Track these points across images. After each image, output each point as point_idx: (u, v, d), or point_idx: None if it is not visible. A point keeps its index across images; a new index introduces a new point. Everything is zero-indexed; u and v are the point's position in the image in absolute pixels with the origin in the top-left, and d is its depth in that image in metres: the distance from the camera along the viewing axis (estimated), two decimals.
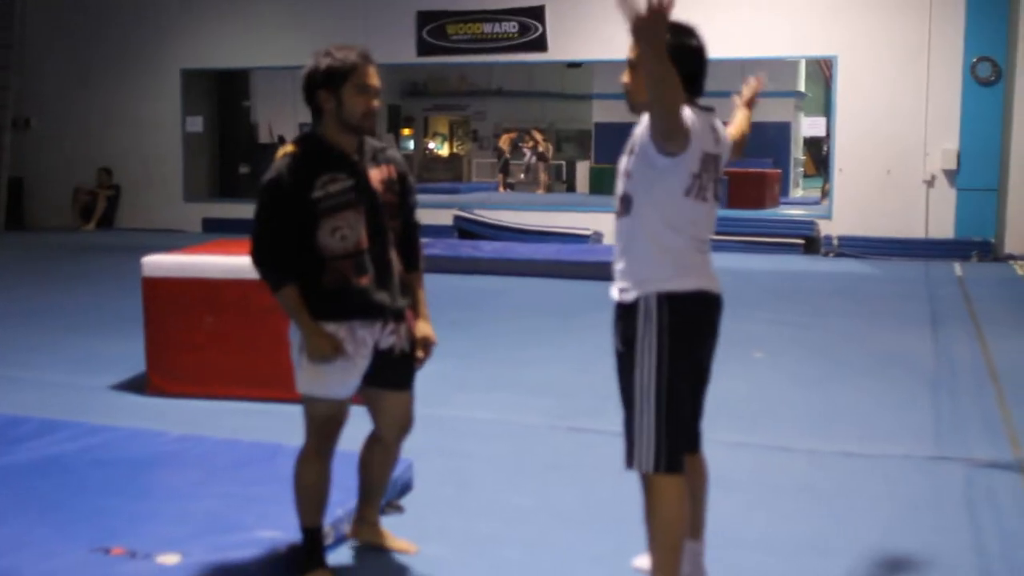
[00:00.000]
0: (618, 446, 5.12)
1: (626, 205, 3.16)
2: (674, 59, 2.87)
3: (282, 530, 3.63)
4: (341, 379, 3.43)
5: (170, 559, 3.38)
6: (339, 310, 3.38)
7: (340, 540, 3.82)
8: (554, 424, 5.51)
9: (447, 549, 3.81)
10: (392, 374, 3.54)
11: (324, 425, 3.49)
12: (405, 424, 3.67)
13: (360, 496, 3.82)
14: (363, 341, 3.43)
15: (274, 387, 5.89)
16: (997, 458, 5.00)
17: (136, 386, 6.30)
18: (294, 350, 3.49)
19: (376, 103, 3.44)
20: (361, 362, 3.44)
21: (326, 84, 3.37)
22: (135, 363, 6.43)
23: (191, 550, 3.45)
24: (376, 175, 3.46)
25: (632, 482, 4.59)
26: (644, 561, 3.38)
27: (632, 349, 3.11)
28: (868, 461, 4.98)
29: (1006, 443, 5.27)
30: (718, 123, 3.26)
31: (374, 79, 3.44)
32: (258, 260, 3.42)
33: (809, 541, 3.96)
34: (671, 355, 3.07)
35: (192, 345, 6.05)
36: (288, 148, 3.46)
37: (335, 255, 3.35)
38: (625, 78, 3.24)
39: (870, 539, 3.99)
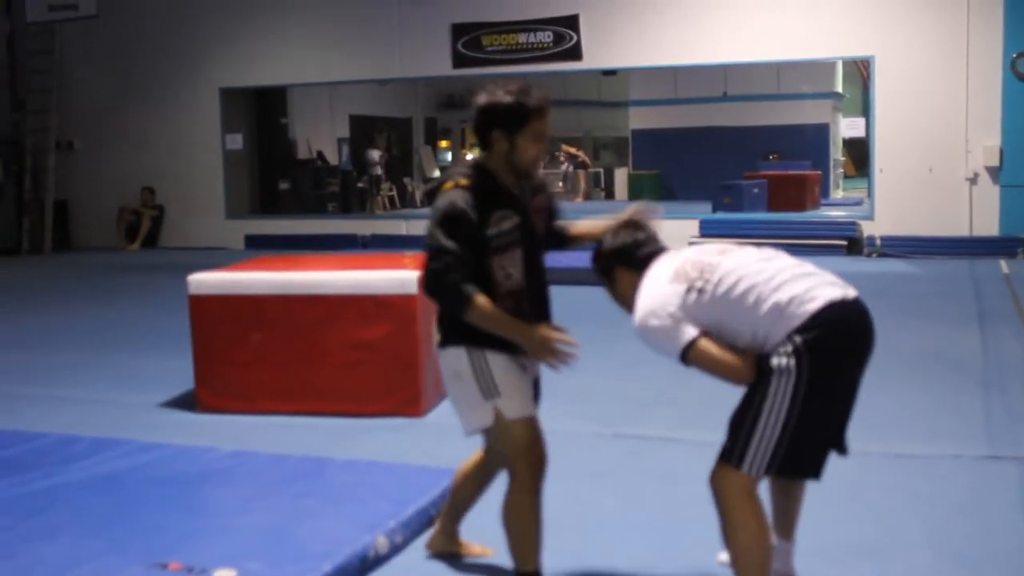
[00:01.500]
0: (662, 452, 5.12)
1: None
2: None
3: (333, 543, 3.66)
4: (527, 394, 3.36)
5: (226, 574, 3.41)
6: (507, 343, 3.30)
7: (395, 551, 3.84)
8: (598, 431, 5.52)
9: (496, 558, 3.81)
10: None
11: (531, 449, 3.31)
12: None
13: (448, 511, 3.82)
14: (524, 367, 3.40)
15: (320, 400, 5.95)
16: None
17: (185, 403, 6.36)
18: (460, 387, 3.35)
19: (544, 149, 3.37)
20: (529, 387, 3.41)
21: (503, 124, 3.28)
22: (183, 380, 6.50)
23: (246, 565, 3.48)
24: (534, 209, 3.42)
25: (677, 488, 4.59)
26: (726, 556, 3.39)
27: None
28: (918, 462, 4.94)
29: None
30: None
31: (550, 127, 3.37)
32: (436, 287, 3.24)
33: (859, 544, 3.93)
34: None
35: (239, 362, 6.10)
36: (460, 181, 3.30)
37: (503, 292, 3.29)
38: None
39: (921, 541, 3.96)
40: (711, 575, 3.63)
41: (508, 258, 3.28)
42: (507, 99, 3.28)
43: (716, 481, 3.14)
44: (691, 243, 14.60)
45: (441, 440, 4.40)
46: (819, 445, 3.16)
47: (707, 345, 3.09)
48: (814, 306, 3.02)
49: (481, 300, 3.20)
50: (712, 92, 23.65)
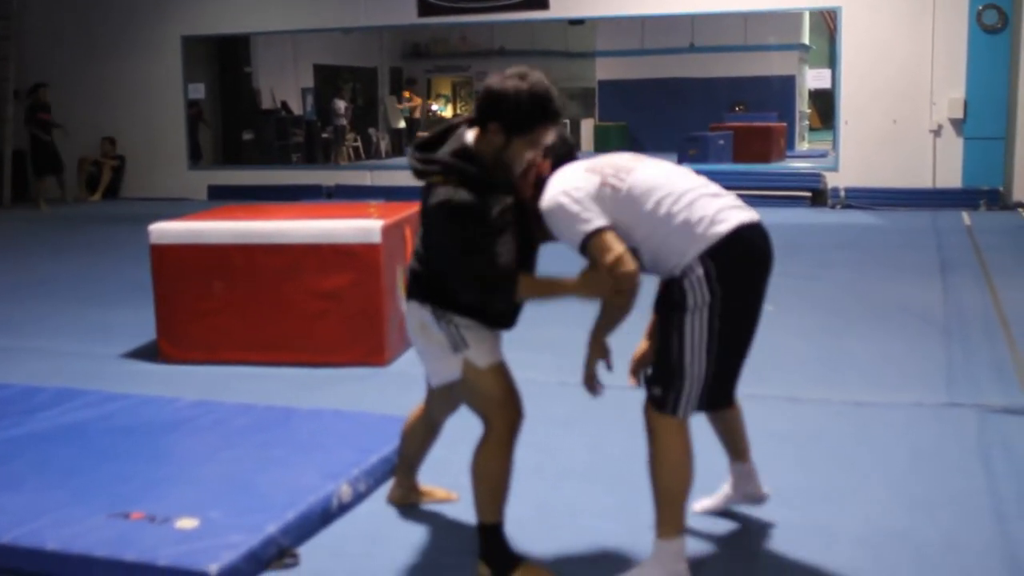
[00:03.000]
0: (626, 401, 5.15)
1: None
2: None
3: (297, 492, 3.66)
4: (495, 344, 3.32)
5: (188, 523, 3.41)
6: (496, 321, 3.31)
7: (359, 499, 3.85)
8: (563, 380, 5.52)
9: (458, 506, 3.83)
10: None
11: (507, 403, 3.27)
12: (456, 407, 3.66)
13: (400, 465, 3.85)
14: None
15: (284, 351, 5.94)
16: (1009, 404, 5.01)
17: (148, 354, 6.32)
18: (426, 339, 3.31)
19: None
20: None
21: (505, 120, 3.10)
22: (146, 331, 6.46)
23: (209, 514, 3.48)
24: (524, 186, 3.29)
25: (643, 437, 4.61)
26: (700, 504, 3.54)
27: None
28: (879, 410, 5.00)
29: (1018, 389, 5.28)
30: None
31: (549, 137, 3.26)
32: (482, 290, 3.17)
33: (821, 491, 3.98)
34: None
35: (202, 311, 6.07)
36: (450, 180, 3.14)
37: None
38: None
39: (881, 487, 4.01)
40: None
41: (503, 240, 3.17)
42: (522, 98, 3.10)
43: (651, 423, 3.19)
44: None
45: (405, 389, 4.40)
46: (736, 372, 3.29)
47: (612, 239, 3.06)
48: (724, 228, 3.05)
49: (522, 279, 3.17)
50: (679, 43, 23.55)
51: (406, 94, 24.61)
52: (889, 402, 5.10)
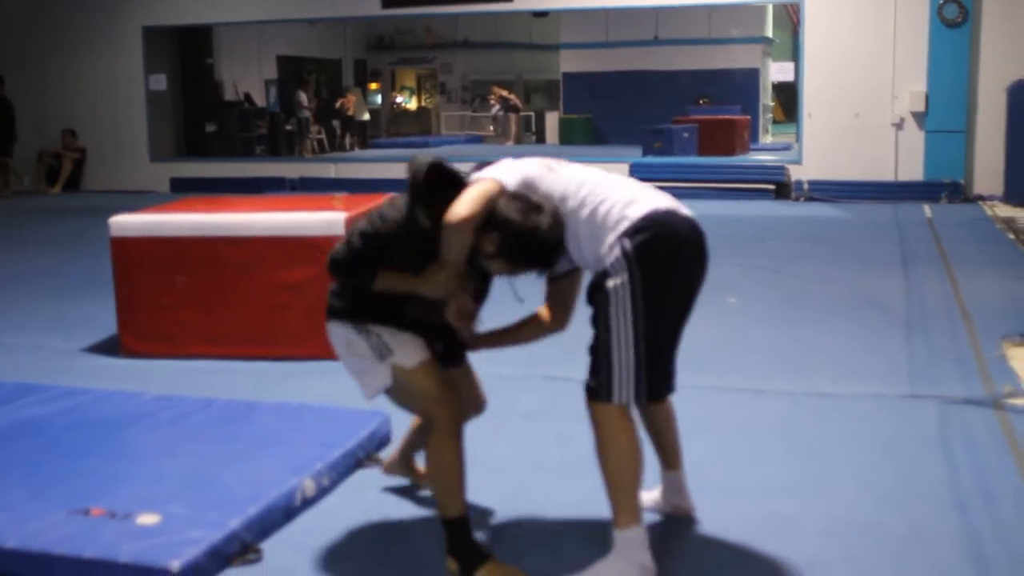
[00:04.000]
0: (581, 393, 5.14)
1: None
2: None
3: (260, 486, 3.62)
4: (420, 343, 3.31)
5: (150, 519, 3.36)
6: (393, 319, 3.34)
7: (322, 493, 3.82)
8: (528, 374, 5.51)
9: (426, 502, 3.81)
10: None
11: (444, 396, 3.24)
12: (479, 404, 3.66)
13: (406, 440, 3.85)
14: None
15: (247, 344, 5.89)
16: (970, 395, 5.05)
17: (109, 348, 6.25)
18: (353, 354, 3.34)
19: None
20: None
21: (507, 246, 3.12)
22: (107, 325, 6.39)
23: (171, 509, 3.43)
24: None
25: None
26: (647, 496, 3.47)
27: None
28: (842, 401, 5.02)
29: (979, 380, 5.32)
30: None
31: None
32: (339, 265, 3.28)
33: (784, 483, 3.98)
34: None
35: (163, 305, 6.00)
36: None
37: None
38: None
39: (845, 479, 4.03)
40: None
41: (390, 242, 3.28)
42: (536, 243, 3.12)
43: (592, 413, 3.20)
44: None
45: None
46: (669, 358, 3.25)
47: (483, 194, 3.09)
48: (639, 211, 3.10)
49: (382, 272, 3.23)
50: (643, 35, 23.59)
51: (345, 98, 24.42)
52: (853, 393, 5.13)
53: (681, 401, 5.00)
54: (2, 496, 3.62)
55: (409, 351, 3.26)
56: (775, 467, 4.16)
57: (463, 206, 3.05)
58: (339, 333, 3.36)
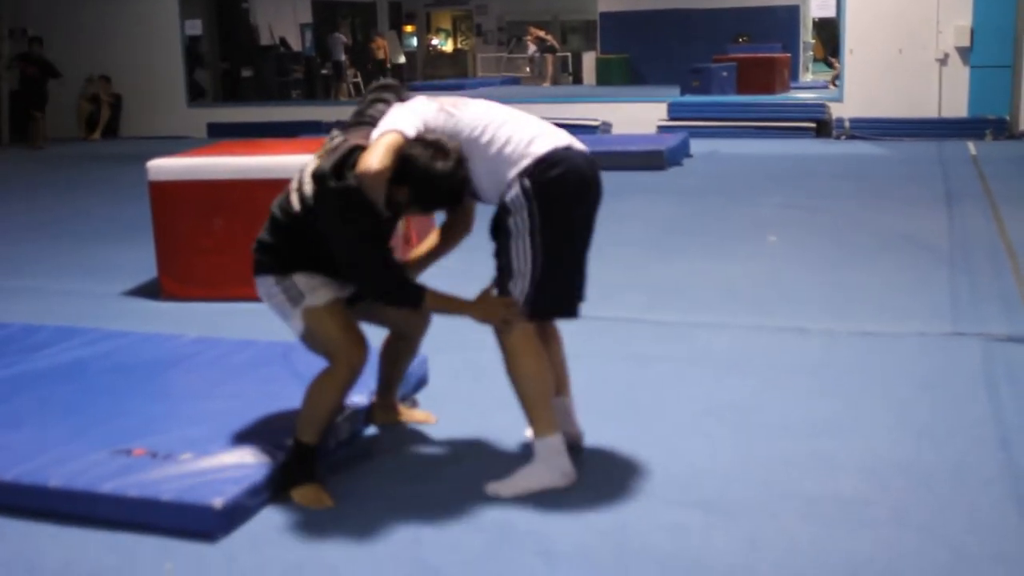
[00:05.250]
0: (624, 332, 5.13)
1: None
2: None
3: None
4: (333, 287, 3.42)
5: (190, 458, 3.39)
6: (316, 267, 3.44)
7: (355, 435, 3.84)
8: None
9: (464, 442, 3.82)
10: None
11: (351, 351, 3.34)
12: (425, 320, 3.75)
13: (380, 385, 3.92)
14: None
15: None
16: (1014, 332, 4.98)
17: (149, 292, 6.29)
18: (274, 304, 3.48)
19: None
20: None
21: (417, 192, 3.27)
22: (147, 269, 6.42)
23: (211, 449, 3.46)
24: None
25: (644, 369, 4.61)
26: (530, 434, 3.54)
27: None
28: (884, 340, 4.97)
29: (1022, 317, 5.24)
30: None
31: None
32: (386, 289, 3.36)
33: (826, 421, 3.95)
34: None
35: (202, 248, 6.03)
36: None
37: None
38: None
39: (886, 417, 3.99)
40: (678, 453, 3.65)
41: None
42: (443, 184, 3.25)
43: (499, 337, 3.37)
44: (658, 127, 14.37)
45: None
46: (567, 283, 3.40)
47: (390, 145, 3.18)
48: (539, 148, 3.24)
49: (428, 294, 3.33)
50: None
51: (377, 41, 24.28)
52: (894, 332, 5.07)
53: (721, 339, 5.02)
54: (44, 437, 3.66)
55: (319, 293, 3.38)
56: (815, 405, 4.13)
57: (374, 159, 3.16)
58: (263, 285, 3.49)
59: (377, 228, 3.31)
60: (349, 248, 3.29)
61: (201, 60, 18.32)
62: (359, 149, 3.24)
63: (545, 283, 3.28)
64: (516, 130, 3.30)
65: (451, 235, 3.67)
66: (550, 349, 3.57)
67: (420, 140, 3.24)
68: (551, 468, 3.35)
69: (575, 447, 3.61)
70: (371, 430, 3.93)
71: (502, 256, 3.32)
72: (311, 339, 3.43)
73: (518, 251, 3.26)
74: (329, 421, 3.43)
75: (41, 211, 9.99)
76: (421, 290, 3.34)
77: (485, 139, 3.27)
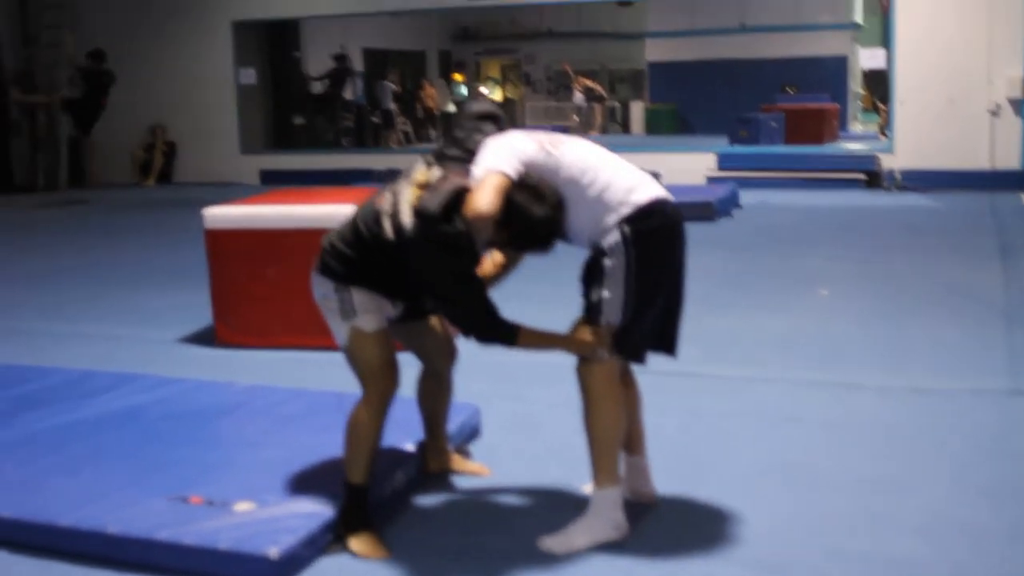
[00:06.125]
0: (677, 386, 5.12)
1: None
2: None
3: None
4: (383, 315, 3.50)
5: (246, 507, 3.42)
6: (374, 284, 3.50)
7: (411, 484, 3.84)
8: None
9: (517, 494, 3.82)
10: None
11: (384, 373, 3.42)
12: (451, 351, 3.81)
13: (426, 429, 3.94)
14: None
15: None
16: None
17: (203, 338, 6.36)
18: (327, 307, 3.50)
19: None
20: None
21: (516, 232, 3.30)
22: (201, 315, 6.50)
23: (265, 498, 3.49)
24: None
25: (697, 417, 4.59)
26: (589, 489, 3.51)
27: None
28: (940, 397, 4.91)
29: None
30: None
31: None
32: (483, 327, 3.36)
33: (881, 479, 3.91)
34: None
35: (256, 296, 6.09)
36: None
37: None
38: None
39: (944, 475, 3.94)
40: (733, 510, 3.63)
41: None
42: (541, 230, 3.29)
43: (581, 375, 3.39)
44: (707, 177, 14.41)
45: (460, 373, 4.37)
46: (649, 331, 3.43)
47: (495, 186, 3.20)
48: (639, 197, 3.30)
49: (523, 331, 3.36)
50: (729, 23, 23.35)
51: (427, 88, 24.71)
52: (950, 388, 5.01)
53: (774, 394, 4.99)
54: (101, 483, 3.71)
55: (370, 318, 3.43)
56: (870, 462, 4.09)
57: (483, 203, 3.18)
58: (321, 285, 3.51)
59: (474, 267, 3.37)
60: (449, 287, 3.32)
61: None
62: (464, 191, 3.26)
63: (633, 325, 3.32)
64: (615, 176, 3.34)
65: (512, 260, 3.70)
66: (630, 405, 3.58)
67: (523, 184, 3.27)
68: (605, 522, 3.36)
69: (649, 506, 3.61)
70: (424, 481, 3.93)
71: (594, 295, 3.34)
72: (350, 356, 3.48)
73: (613, 292, 3.29)
74: (373, 455, 3.43)
75: (95, 255, 10.15)
76: (516, 328, 3.34)
77: (585, 181, 3.31)
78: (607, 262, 3.28)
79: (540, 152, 3.34)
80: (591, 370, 3.34)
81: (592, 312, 3.35)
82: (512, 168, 3.27)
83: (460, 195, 3.26)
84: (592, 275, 3.35)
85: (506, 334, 3.34)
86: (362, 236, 3.42)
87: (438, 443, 3.97)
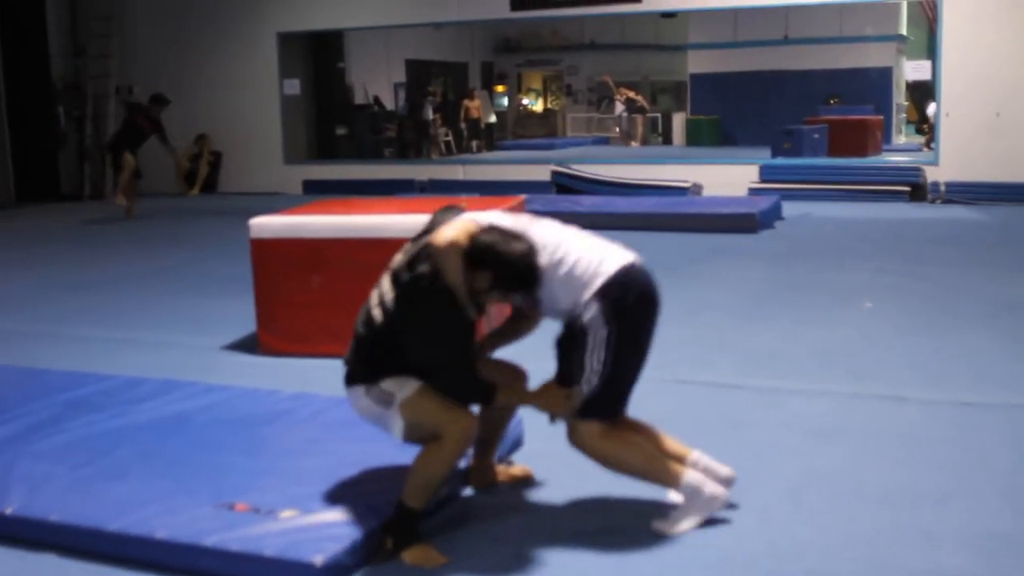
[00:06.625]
0: (718, 398, 5.11)
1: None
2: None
3: (396, 485, 3.68)
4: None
5: (291, 515, 3.45)
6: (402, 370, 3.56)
7: (454, 494, 3.86)
8: (660, 376, 5.48)
9: (560, 503, 3.82)
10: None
11: (451, 404, 3.41)
12: (523, 378, 3.81)
13: (477, 448, 3.92)
14: None
15: None
16: None
17: (247, 346, 6.43)
18: (371, 415, 3.53)
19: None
20: None
21: (497, 275, 3.37)
22: (246, 323, 6.57)
23: (311, 506, 3.52)
24: None
25: (737, 433, 4.58)
26: (675, 495, 3.64)
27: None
28: (984, 410, 4.87)
29: None
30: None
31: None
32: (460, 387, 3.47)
33: (927, 492, 3.88)
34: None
35: (300, 304, 6.15)
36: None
37: None
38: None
39: (990, 489, 3.91)
40: (776, 523, 3.62)
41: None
42: (520, 266, 3.36)
43: (574, 443, 3.57)
44: (749, 189, 14.36)
45: None
46: (626, 391, 3.60)
47: (483, 232, 3.35)
48: (609, 267, 3.43)
49: (500, 387, 3.51)
50: (773, 35, 23.25)
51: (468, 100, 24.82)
52: (994, 402, 4.97)
53: (816, 406, 4.97)
54: (149, 489, 3.75)
55: (409, 384, 3.43)
56: (915, 476, 4.06)
57: (446, 233, 3.33)
58: (354, 397, 3.57)
59: (454, 319, 3.38)
60: (425, 342, 3.38)
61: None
62: (431, 244, 3.37)
63: (607, 389, 3.48)
64: (585, 249, 3.49)
65: (518, 327, 3.79)
66: (642, 433, 3.70)
67: (493, 227, 3.40)
68: (700, 498, 3.55)
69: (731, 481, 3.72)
70: (468, 491, 3.95)
71: (576, 363, 3.46)
72: (416, 431, 3.46)
73: (591, 362, 3.43)
74: (437, 488, 3.49)
75: (141, 264, 10.26)
76: (492, 387, 3.45)
77: (557, 256, 3.43)
78: (588, 335, 3.41)
79: (512, 221, 3.49)
80: (579, 436, 3.53)
81: (569, 378, 3.49)
82: (481, 217, 3.43)
83: (426, 248, 3.38)
84: (570, 344, 3.47)
85: (482, 394, 3.45)
86: (362, 337, 3.52)
87: (486, 461, 3.98)
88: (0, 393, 5.07)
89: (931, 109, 16.64)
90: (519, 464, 4.14)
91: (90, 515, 3.53)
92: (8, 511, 3.61)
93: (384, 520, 3.43)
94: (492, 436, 3.93)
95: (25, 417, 4.62)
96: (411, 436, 3.49)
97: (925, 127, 19.63)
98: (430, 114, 22.48)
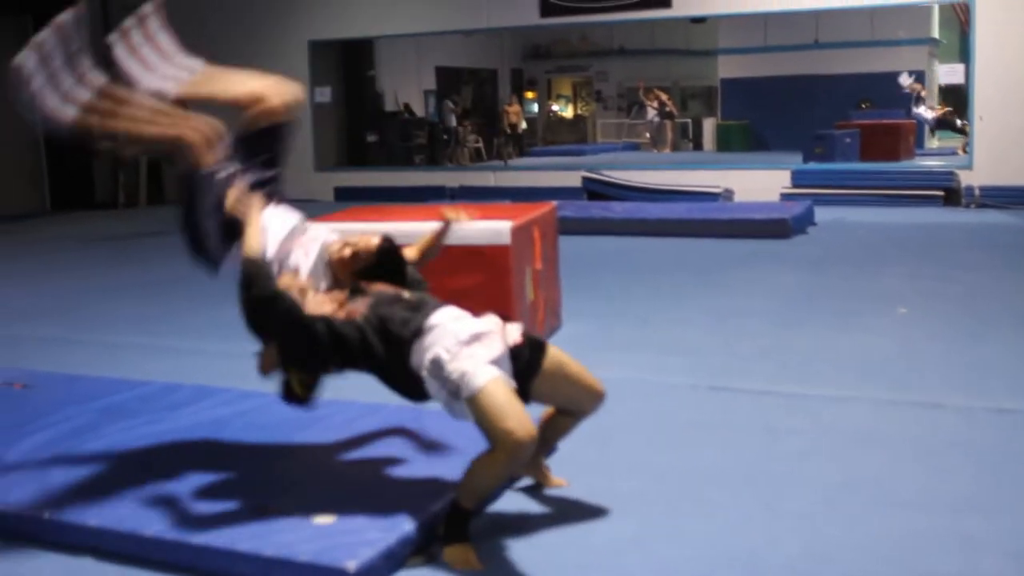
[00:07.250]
0: (754, 404, 5.08)
1: None
2: None
3: (430, 490, 3.68)
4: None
5: (325, 520, 3.46)
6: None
7: (490, 499, 3.85)
8: (695, 383, 5.47)
9: (591, 508, 3.81)
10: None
11: (523, 424, 3.32)
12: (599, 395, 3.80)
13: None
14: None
15: None
16: None
17: None
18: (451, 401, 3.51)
19: None
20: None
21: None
22: None
23: (345, 512, 3.52)
24: None
25: (773, 439, 4.55)
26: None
27: None
28: (1023, 417, 4.82)
29: None
30: None
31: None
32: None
33: (964, 499, 3.84)
34: None
35: None
36: None
37: None
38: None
39: None
40: (814, 528, 3.59)
41: None
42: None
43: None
44: (781, 194, 14.23)
45: None
46: None
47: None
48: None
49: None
50: (803, 39, 23.16)
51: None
52: None
53: (852, 413, 4.93)
54: (186, 493, 3.78)
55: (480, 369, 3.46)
56: (953, 483, 4.02)
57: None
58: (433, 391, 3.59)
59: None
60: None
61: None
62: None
63: None
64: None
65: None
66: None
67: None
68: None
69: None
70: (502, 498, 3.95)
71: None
72: (481, 423, 3.42)
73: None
74: (490, 492, 3.54)
75: (177, 270, 10.30)
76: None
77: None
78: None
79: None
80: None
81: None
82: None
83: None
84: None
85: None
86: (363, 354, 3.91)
87: (538, 458, 3.95)
88: (37, 399, 5.13)
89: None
90: (554, 475, 4.11)
91: (127, 519, 3.55)
92: (46, 515, 3.65)
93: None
94: (553, 438, 3.91)
95: (63, 423, 4.66)
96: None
97: (963, 125, 19.48)
98: (453, 121, 22.52)
